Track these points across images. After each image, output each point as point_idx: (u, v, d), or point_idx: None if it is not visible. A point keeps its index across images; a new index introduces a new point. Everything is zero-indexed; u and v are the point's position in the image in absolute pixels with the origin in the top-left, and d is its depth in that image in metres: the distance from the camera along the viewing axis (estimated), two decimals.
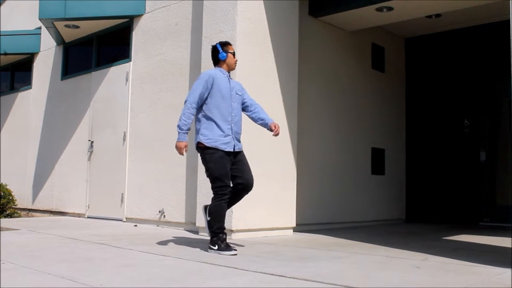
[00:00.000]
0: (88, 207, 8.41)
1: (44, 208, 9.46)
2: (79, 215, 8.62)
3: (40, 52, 10.06)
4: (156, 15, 7.53)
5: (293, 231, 6.46)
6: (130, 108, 7.77)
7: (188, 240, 5.61)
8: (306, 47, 7.10)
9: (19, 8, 10.99)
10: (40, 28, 9.86)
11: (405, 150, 9.14)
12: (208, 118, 4.56)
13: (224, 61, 4.72)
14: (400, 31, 8.89)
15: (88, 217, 8.38)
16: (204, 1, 6.34)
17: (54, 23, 8.33)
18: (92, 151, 8.43)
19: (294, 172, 6.46)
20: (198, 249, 4.82)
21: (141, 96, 7.62)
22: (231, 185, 4.61)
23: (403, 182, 9.06)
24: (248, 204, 5.88)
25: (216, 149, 4.52)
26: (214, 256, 4.38)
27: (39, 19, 8.18)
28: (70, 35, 8.91)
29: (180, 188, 6.82)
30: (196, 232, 6.23)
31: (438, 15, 7.80)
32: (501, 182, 8.16)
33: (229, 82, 4.71)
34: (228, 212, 5.73)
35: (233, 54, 4.77)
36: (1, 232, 6.03)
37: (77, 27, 8.48)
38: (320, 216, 7.25)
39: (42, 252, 4.50)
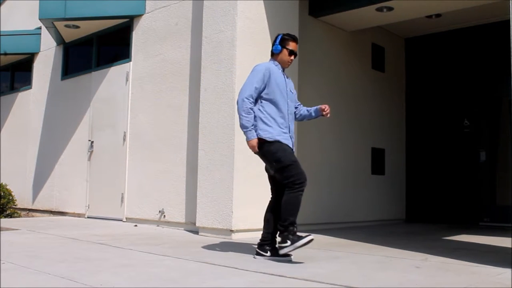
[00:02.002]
0: (88, 207, 8.41)
1: (44, 208, 9.46)
2: (79, 215, 8.62)
3: (40, 52, 10.06)
4: (156, 15, 7.53)
5: None
6: (130, 108, 7.77)
7: (188, 240, 5.61)
8: (306, 47, 7.10)
9: (19, 8, 10.99)
10: (40, 28, 9.86)
11: (405, 150, 9.14)
12: (266, 113, 4.19)
13: (277, 55, 4.34)
14: (400, 31, 8.89)
15: (88, 217, 8.38)
16: (204, 1, 6.34)
17: (54, 23, 8.33)
18: (92, 151, 8.43)
19: None
20: (198, 249, 4.82)
21: (141, 96, 7.62)
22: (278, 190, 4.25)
23: (403, 182, 9.06)
24: (249, 204, 5.89)
25: (281, 143, 4.16)
26: (214, 256, 4.38)
27: (39, 19, 8.18)
28: (70, 35, 8.91)
29: (180, 188, 6.82)
30: (196, 232, 6.23)
31: (438, 15, 7.80)
32: (501, 182, 8.16)
33: (285, 77, 4.37)
34: (228, 212, 5.77)
35: (291, 51, 4.33)
36: (1, 232, 6.03)
37: (77, 27, 8.48)
38: (320, 216, 7.25)
39: (42, 252, 4.50)
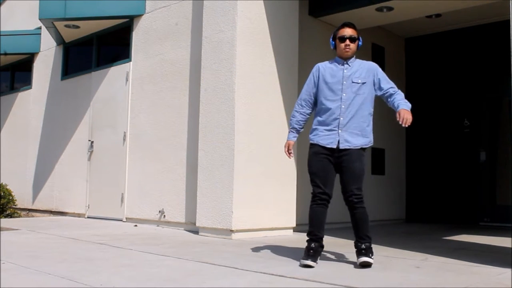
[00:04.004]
0: (88, 207, 8.41)
1: (44, 208, 9.46)
2: (79, 215, 8.62)
3: (40, 52, 10.06)
4: (156, 15, 7.53)
5: (293, 231, 6.46)
6: (130, 108, 7.77)
7: (188, 240, 5.61)
8: (306, 47, 7.10)
9: (19, 8, 10.99)
10: (40, 28, 9.86)
11: (405, 150, 9.13)
12: (316, 114, 4.24)
13: (335, 50, 4.29)
14: (400, 31, 8.89)
15: (88, 217, 8.38)
16: (204, 1, 6.34)
17: (54, 23, 8.33)
18: (92, 151, 8.43)
19: (294, 172, 6.46)
20: (198, 249, 4.82)
21: (141, 96, 7.62)
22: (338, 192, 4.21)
23: (403, 182, 9.06)
24: (248, 204, 5.89)
25: (315, 145, 4.15)
26: (214, 256, 4.38)
27: (39, 19, 8.18)
28: (70, 35, 8.91)
29: (180, 188, 6.82)
30: (196, 232, 6.22)
31: (438, 15, 7.80)
32: (501, 182, 8.16)
33: (343, 70, 4.16)
34: (227, 212, 5.77)
35: (341, 38, 4.17)
36: (1, 232, 6.03)
37: (77, 27, 8.48)
38: None
39: (42, 252, 4.50)
